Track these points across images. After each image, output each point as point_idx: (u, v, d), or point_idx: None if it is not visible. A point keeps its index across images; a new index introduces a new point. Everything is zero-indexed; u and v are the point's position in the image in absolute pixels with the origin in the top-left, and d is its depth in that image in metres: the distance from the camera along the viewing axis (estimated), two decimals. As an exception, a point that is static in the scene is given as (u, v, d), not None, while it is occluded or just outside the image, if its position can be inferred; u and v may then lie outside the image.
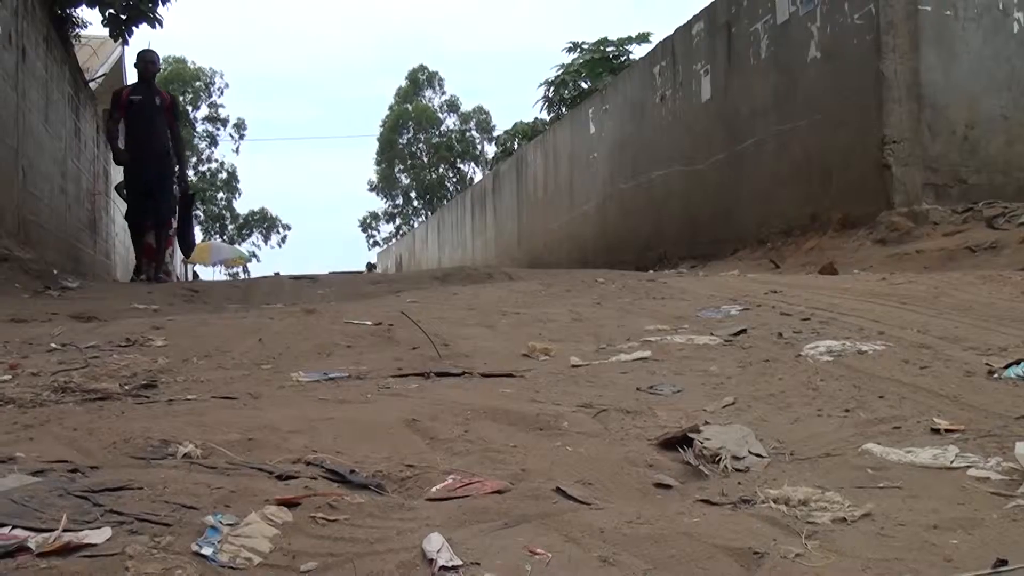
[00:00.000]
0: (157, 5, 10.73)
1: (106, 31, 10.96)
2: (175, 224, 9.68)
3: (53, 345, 3.32)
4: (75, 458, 1.67)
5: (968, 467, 1.66)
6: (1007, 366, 2.38)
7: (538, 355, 3.01)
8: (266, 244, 52.68)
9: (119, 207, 15.23)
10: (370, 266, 36.96)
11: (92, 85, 13.38)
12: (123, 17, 10.66)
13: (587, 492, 1.57)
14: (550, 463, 1.73)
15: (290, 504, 1.39)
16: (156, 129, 8.71)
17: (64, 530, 1.22)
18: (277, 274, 14.48)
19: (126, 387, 2.51)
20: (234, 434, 1.86)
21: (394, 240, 47.91)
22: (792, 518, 1.41)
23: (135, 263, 9.24)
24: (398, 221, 53.75)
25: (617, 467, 1.73)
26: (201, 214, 47.38)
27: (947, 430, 1.90)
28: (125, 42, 11.75)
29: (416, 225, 43.87)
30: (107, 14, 10.55)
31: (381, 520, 1.39)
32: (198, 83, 48.59)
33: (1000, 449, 1.75)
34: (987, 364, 2.46)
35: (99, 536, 1.22)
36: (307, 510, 1.38)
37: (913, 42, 7.23)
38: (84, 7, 11.01)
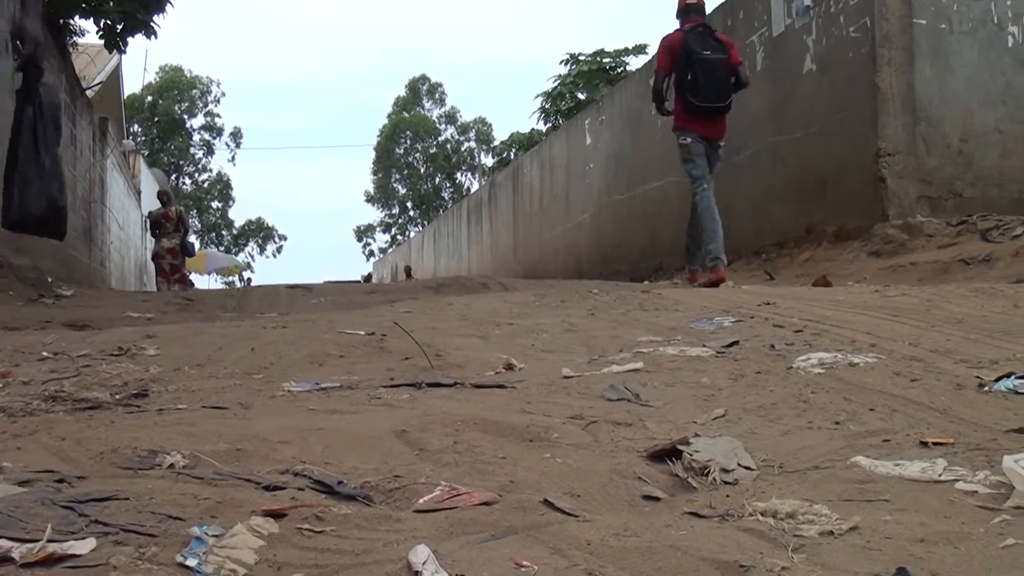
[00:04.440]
0: (153, 14, 10.76)
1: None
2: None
3: (45, 354, 3.32)
4: (62, 468, 1.66)
5: (956, 480, 1.66)
6: (997, 379, 2.38)
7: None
8: (261, 255, 52.64)
9: (115, 215, 15.17)
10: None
11: (89, 93, 13.40)
12: (118, 27, 10.68)
13: (575, 504, 1.57)
14: (539, 474, 1.73)
15: (276, 515, 1.38)
16: None
17: (48, 540, 1.22)
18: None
19: (117, 396, 2.51)
20: (223, 444, 1.86)
21: (390, 250, 47.93)
22: (779, 531, 1.41)
23: None
24: (394, 231, 53.82)
25: (606, 479, 1.72)
26: (198, 223, 47.01)
27: (936, 443, 1.90)
28: (121, 52, 11.77)
29: (412, 235, 43.89)
30: (102, 24, 10.56)
31: (368, 532, 1.38)
32: (195, 91, 48.72)
33: (988, 463, 1.75)
34: (977, 377, 2.46)
35: (84, 547, 1.21)
36: (293, 521, 1.38)
37: (908, 55, 7.27)
38: (79, 17, 11.03)
